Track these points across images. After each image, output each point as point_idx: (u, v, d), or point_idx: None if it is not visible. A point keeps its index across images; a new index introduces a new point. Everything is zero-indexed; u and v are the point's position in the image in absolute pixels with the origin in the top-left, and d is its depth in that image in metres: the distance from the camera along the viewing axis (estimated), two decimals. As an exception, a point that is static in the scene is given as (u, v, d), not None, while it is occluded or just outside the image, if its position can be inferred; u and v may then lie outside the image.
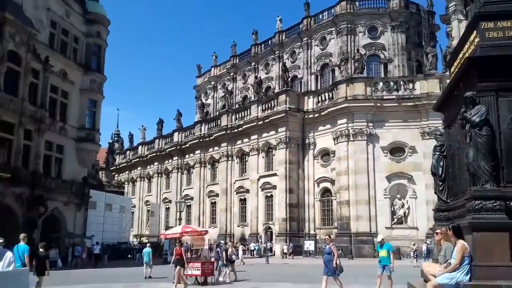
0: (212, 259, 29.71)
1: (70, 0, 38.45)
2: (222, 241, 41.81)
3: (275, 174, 45.09)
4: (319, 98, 43.93)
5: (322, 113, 42.25)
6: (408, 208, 37.49)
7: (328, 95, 43.13)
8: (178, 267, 14.55)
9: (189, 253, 17.18)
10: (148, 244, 21.83)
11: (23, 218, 31.95)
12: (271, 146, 46.16)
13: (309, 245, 40.50)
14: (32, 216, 32.50)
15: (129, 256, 41.38)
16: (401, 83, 40.27)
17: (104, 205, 41.93)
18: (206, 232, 16.79)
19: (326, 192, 42.84)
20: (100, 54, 41.31)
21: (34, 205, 32.73)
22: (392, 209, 37.80)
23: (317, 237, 41.84)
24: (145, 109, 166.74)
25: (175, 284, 13.92)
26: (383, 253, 12.94)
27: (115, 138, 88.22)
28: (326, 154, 42.81)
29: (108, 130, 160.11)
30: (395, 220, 37.58)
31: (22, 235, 12.26)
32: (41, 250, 14.04)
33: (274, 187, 45.00)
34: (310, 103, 44.41)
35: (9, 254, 4.82)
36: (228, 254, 18.55)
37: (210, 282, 15.93)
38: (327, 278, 12.15)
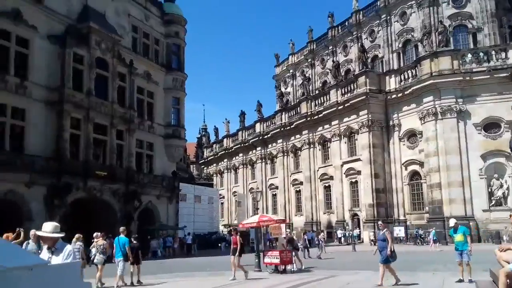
0: (300, 246, 30.32)
1: (148, 4, 40.37)
2: (309, 229, 41.89)
3: (358, 159, 43.89)
4: (402, 77, 41.81)
5: (405, 92, 40.17)
6: (508, 188, 34.47)
7: (412, 73, 40.86)
8: (233, 256, 14.42)
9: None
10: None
11: (121, 212, 34.45)
12: (353, 131, 44.95)
13: (398, 231, 38.95)
14: (128, 210, 34.93)
15: (219, 245, 42.92)
16: (492, 53, 36.90)
17: (193, 197, 43.78)
18: (283, 221, 16.80)
19: (414, 175, 40.83)
20: (179, 53, 42.95)
21: (129, 200, 35.17)
22: (490, 190, 35.00)
23: (408, 223, 40.18)
24: (228, 102, 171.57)
25: (233, 273, 13.83)
26: (458, 237, 11.99)
27: (203, 133, 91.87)
28: (412, 135, 40.72)
29: (195, 125, 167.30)
30: (493, 202, 34.77)
31: (121, 228, 13.67)
32: (134, 242, 14.88)
33: (359, 172, 43.83)
34: (392, 83, 42.46)
35: (68, 247, 5.17)
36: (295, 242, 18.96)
37: (289, 270, 15.97)
38: (383, 265, 11.72)
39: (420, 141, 39.36)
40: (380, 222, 12.37)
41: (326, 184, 49.13)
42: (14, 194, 27.40)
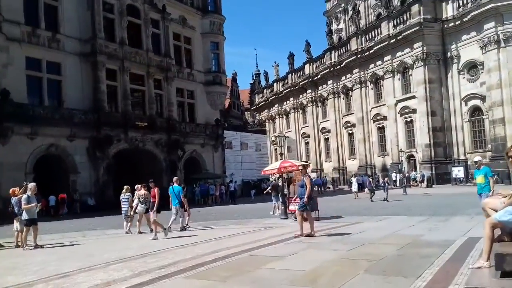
0: (354, 188, 28.85)
1: None
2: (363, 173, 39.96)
3: (413, 97, 40.64)
4: (460, 2, 37.21)
5: (464, 19, 35.80)
6: None
7: (471, -3, 36.22)
8: (151, 212, 12.59)
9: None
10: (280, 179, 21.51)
11: (165, 161, 34.60)
12: (406, 66, 41.40)
13: (458, 171, 36.16)
14: (172, 159, 35.01)
15: (265, 192, 42.38)
16: None
17: (239, 145, 43.15)
18: (307, 166, 15.39)
19: (476, 111, 37.16)
20: (215, -6, 41.06)
21: (173, 149, 35.17)
22: (561, 123, 31.05)
23: (468, 163, 37.09)
24: (278, 44, 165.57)
25: (154, 232, 11.99)
26: (479, 179, 10.01)
27: (256, 78, 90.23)
28: (473, 67, 36.68)
29: (248, 71, 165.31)
30: None
31: (175, 178, 14.08)
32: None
33: (414, 111, 40.72)
34: (449, 10, 37.98)
35: None
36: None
37: (314, 217, 14.77)
38: (300, 213, 10.31)
39: (482, 73, 35.36)
40: (300, 168, 10.23)
41: (380, 125, 46.44)
42: (56, 148, 28.04)
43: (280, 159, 17.00)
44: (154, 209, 12.28)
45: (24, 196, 11.06)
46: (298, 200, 15.23)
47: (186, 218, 14.13)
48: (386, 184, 25.23)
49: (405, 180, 32.69)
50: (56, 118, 27.84)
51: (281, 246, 8.83)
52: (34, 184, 11.52)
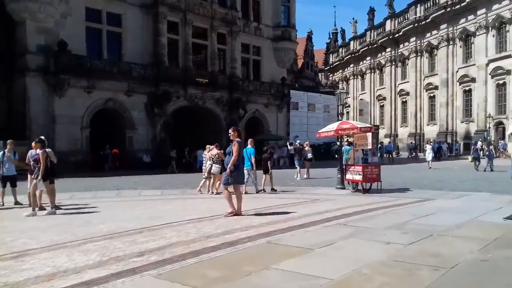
0: (428, 157, 25.53)
1: None
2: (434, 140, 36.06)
3: (509, 56, 35.52)
4: None
5: None
6: None
7: None
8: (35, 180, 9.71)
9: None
10: (346, 143, 19.12)
11: (226, 121, 33.08)
12: (503, 21, 36.05)
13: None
14: (233, 119, 33.37)
15: (336, 156, 39.78)
16: None
17: (306, 106, 40.54)
18: (370, 129, 12.85)
19: None
20: None
21: (234, 108, 33.49)
22: None
23: None
24: (358, 1, 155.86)
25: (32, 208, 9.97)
26: None
27: (332, 37, 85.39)
28: None
29: (325, 31, 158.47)
30: None
31: (249, 140, 13.66)
32: (266, 153, 15.25)
33: (508, 72, 35.67)
34: None
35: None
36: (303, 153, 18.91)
37: (375, 190, 12.35)
38: (225, 187, 8.17)
39: None
40: (230, 131, 7.45)
41: (466, 88, 41.54)
42: (114, 103, 27.40)
43: (340, 120, 14.50)
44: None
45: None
46: (356, 168, 12.94)
47: (266, 181, 13.93)
48: (491, 153, 22.03)
49: (492, 151, 28.54)
50: (114, 72, 27.02)
51: (316, 229, 6.68)
52: (11, 140, 11.12)
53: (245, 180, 12.59)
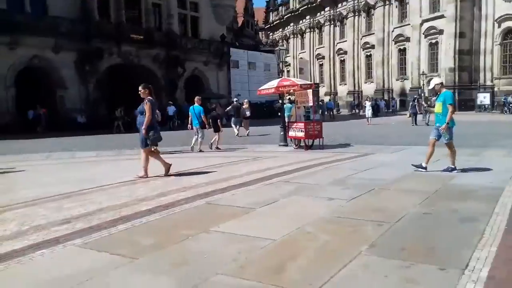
0: (367, 113, 26.10)
1: None
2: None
3: (442, 16, 36.59)
4: None
5: None
6: None
7: None
8: None
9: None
10: (287, 101, 18.86)
11: (164, 79, 31.90)
12: (437, -20, 36.83)
13: (483, 98, 33.08)
14: (172, 77, 32.25)
15: (279, 114, 39.84)
16: None
17: (247, 64, 39.96)
18: (310, 86, 12.71)
19: (509, 33, 33.27)
20: None
21: (172, 66, 32.24)
22: None
23: (495, 89, 33.81)
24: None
25: None
26: (437, 107, 7.38)
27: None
28: (513, -18, 32.20)
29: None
30: None
31: (196, 98, 13.22)
32: (214, 111, 15.05)
33: (441, 32, 36.84)
34: None
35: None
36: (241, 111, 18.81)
37: (316, 146, 12.35)
38: (144, 151, 7.60)
39: (523, -12, 31.02)
40: (140, 88, 7.26)
41: (401, 47, 42.66)
42: (40, 60, 25.45)
43: (280, 77, 14.20)
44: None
45: None
46: (299, 124, 12.82)
47: (216, 140, 13.45)
48: (424, 106, 22.64)
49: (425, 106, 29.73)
50: (39, 27, 24.79)
51: (258, 188, 6.42)
52: None
53: (194, 138, 12.86)
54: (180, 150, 13.09)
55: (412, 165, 7.54)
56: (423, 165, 7.39)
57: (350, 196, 5.56)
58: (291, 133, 13.02)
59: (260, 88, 13.62)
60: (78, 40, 26.49)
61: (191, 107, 13.24)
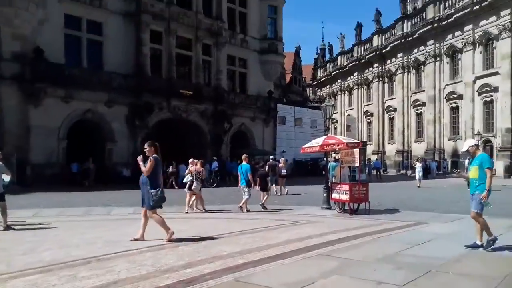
0: (417, 175, 24.66)
1: None
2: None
3: (496, 73, 35.20)
4: None
5: None
6: None
7: None
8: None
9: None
10: (332, 159, 18.33)
11: (210, 134, 32.14)
12: (491, 37, 35.82)
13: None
14: (218, 132, 32.46)
15: (323, 172, 39.00)
16: None
17: (293, 120, 39.87)
18: (358, 144, 12.06)
19: None
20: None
21: (218, 121, 32.52)
22: None
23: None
24: (346, 17, 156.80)
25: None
26: (473, 172, 6.51)
27: (320, 53, 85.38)
28: None
29: (313, 46, 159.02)
30: None
31: (244, 156, 13.23)
32: (261, 169, 15.13)
33: (495, 89, 35.32)
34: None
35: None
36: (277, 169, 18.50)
37: (362, 211, 11.46)
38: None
39: None
40: (146, 146, 6.34)
41: (454, 105, 41.14)
42: (93, 114, 26.31)
43: (326, 135, 13.63)
44: None
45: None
46: (343, 186, 12.06)
47: (265, 199, 13.14)
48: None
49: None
50: (94, 81, 25.95)
51: (294, 262, 5.72)
52: None
53: (245, 198, 12.46)
54: (219, 210, 12.62)
55: (465, 246, 6.57)
56: (478, 243, 6.46)
57: (403, 280, 4.76)
58: (335, 195, 12.23)
59: (304, 146, 13.08)
60: (129, 95, 27.37)
61: (239, 166, 13.11)
